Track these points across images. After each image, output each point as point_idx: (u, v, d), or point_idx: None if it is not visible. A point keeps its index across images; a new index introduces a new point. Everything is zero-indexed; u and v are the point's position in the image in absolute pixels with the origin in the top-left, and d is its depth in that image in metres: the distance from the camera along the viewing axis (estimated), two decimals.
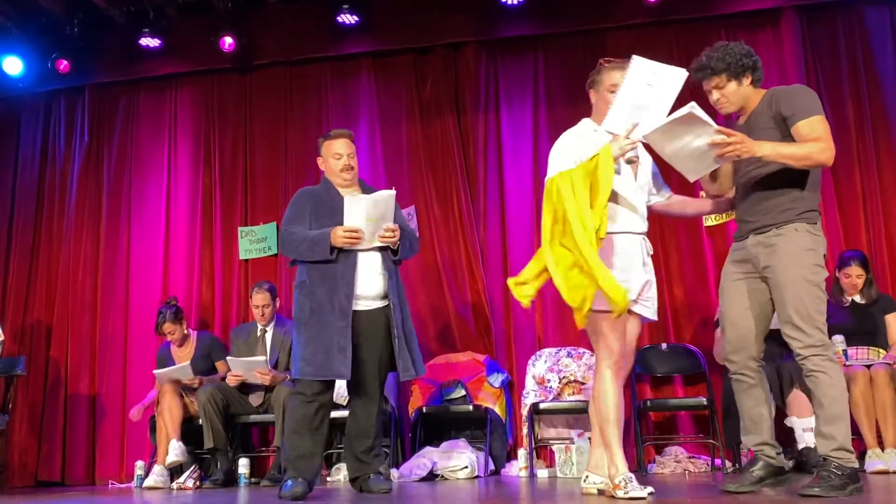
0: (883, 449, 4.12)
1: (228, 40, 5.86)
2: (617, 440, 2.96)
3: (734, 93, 3.04)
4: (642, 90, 2.91)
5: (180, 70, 6.24)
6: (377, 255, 3.65)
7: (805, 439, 4.19)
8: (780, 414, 4.37)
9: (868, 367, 4.29)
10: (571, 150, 3.04)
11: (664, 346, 5.21)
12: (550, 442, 5.07)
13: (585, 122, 3.19)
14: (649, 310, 3.09)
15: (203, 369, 5.16)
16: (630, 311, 2.98)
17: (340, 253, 3.55)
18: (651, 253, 3.10)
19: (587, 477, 3.11)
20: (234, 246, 5.98)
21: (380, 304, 3.65)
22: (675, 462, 4.83)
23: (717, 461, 4.80)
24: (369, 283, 3.61)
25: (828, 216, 5.13)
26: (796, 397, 4.24)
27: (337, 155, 3.77)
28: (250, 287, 5.41)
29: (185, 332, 5.31)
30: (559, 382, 5.17)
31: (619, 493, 2.84)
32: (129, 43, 6.04)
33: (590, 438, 3.25)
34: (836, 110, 5.26)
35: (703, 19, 5.57)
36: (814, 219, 2.95)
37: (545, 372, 5.23)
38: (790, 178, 2.95)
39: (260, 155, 6.08)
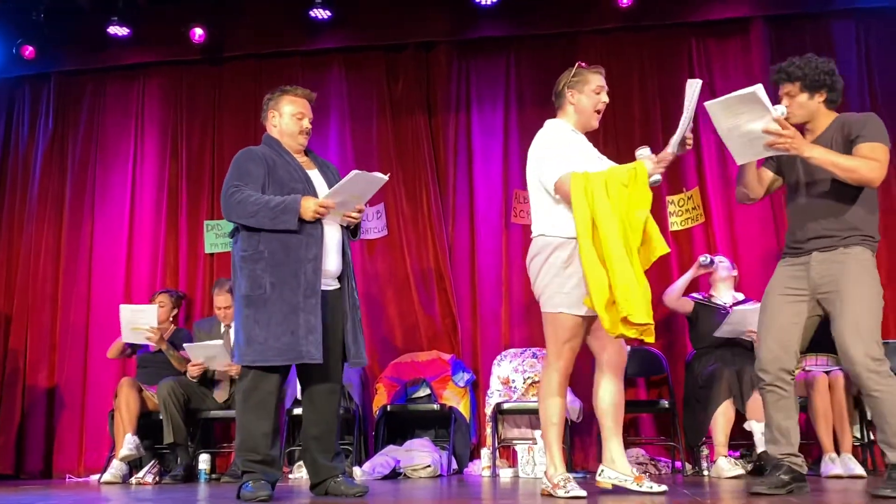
0: (839, 454, 4.20)
1: (199, 31, 5.79)
2: (557, 441, 3.06)
3: (803, 105, 3.06)
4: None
5: (149, 60, 6.14)
6: (338, 231, 3.35)
7: (763, 443, 4.23)
8: (741, 418, 4.44)
9: (827, 372, 4.36)
10: (553, 143, 3.08)
11: (628, 348, 5.23)
12: (514, 442, 5.09)
13: (559, 123, 3.20)
14: None
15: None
16: None
17: (303, 223, 3.19)
18: None
19: (602, 472, 3.15)
20: (199, 239, 5.91)
21: (338, 284, 3.35)
22: (637, 464, 4.87)
23: (678, 464, 4.84)
24: (331, 259, 3.29)
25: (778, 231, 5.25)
26: (755, 402, 4.29)
27: (299, 114, 3.40)
28: (215, 281, 5.36)
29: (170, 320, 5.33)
30: (524, 383, 5.19)
31: (560, 493, 2.94)
32: (97, 31, 5.92)
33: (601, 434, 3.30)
34: None
35: (674, 26, 5.64)
36: (875, 245, 3.03)
37: (510, 372, 5.25)
38: (851, 194, 2.99)
39: (228, 148, 6.01)
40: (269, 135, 3.44)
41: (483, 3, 5.59)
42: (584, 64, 3.25)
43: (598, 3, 5.57)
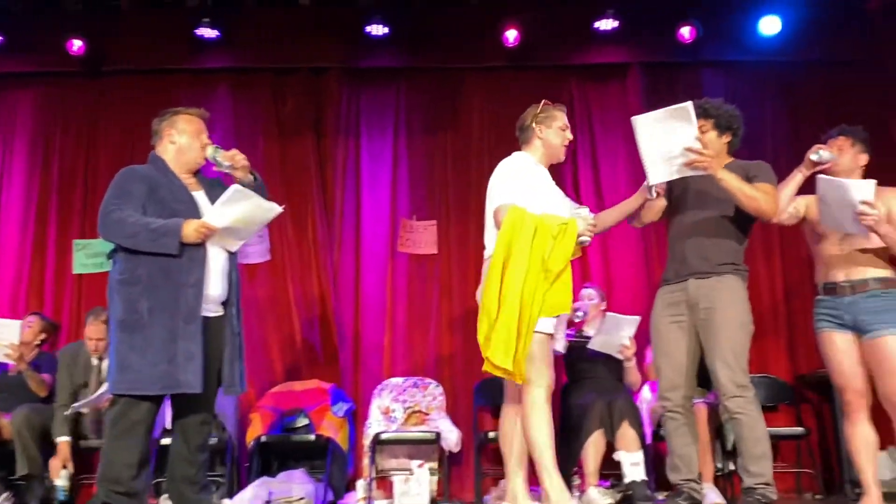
0: (700, 483, 4.37)
1: (77, 43, 5.55)
2: (553, 465, 3.06)
3: (711, 141, 3.28)
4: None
5: (23, 70, 5.83)
6: (223, 255, 3.26)
7: (631, 474, 4.37)
8: (611, 448, 4.56)
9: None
10: (520, 172, 3.19)
11: None
12: (391, 473, 5.05)
13: (524, 156, 3.33)
14: (558, 343, 3.25)
15: None
16: None
17: (186, 246, 3.10)
18: None
19: None
20: (67, 259, 5.62)
21: (221, 311, 3.28)
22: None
23: None
24: (215, 284, 3.20)
25: (649, 261, 5.51)
26: (624, 433, 4.42)
27: (197, 132, 3.31)
28: (83, 304, 5.10)
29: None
30: (404, 412, 5.18)
31: None
32: None
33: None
34: None
35: (557, 68, 5.84)
36: (746, 275, 3.27)
37: (390, 402, 5.23)
38: (731, 229, 3.25)
39: (104, 164, 5.75)
40: (157, 154, 3.33)
41: (375, 33, 5.63)
42: (548, 102, 3.42)
43: (484, 42, 5.71)
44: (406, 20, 5.73)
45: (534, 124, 3.35)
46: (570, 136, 3.40)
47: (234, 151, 3.32)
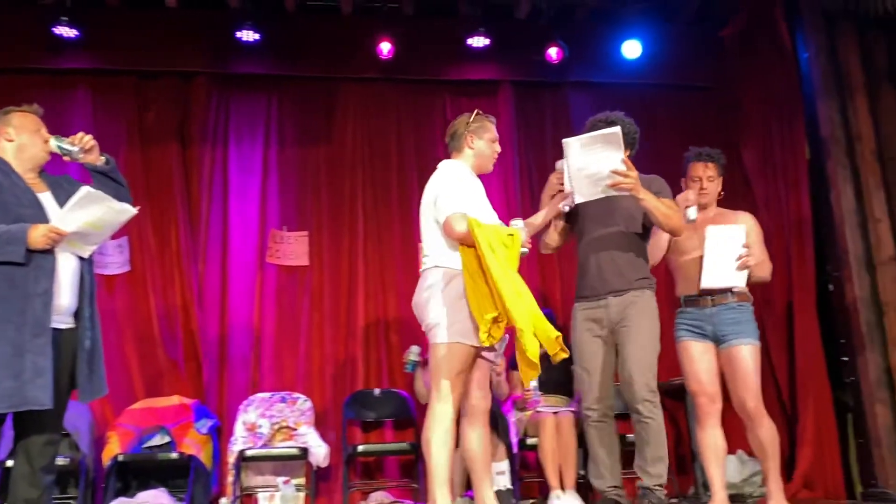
0: (564, 490, 4.50)
1: None
2: (448, 482, 3.02)
3: None
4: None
5: None
6: (74, 262, 3.06)
7: (497, 482, 4.43)
8: None
9: (555, 413, 4.68)
10: (462, 181, 3.19)
11: (377, 391, 5.31)
12: (256, 490, 4.92)
13: (457, 164, 3.30)
14: (495, 352, 3.27)
15: None
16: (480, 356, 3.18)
17: (33, 253, 2.90)
18: None
19: None
20: None
21: (73, 322, 3.06)
22: None
23: None
24: (66, 294, 3.00)
25: (531, 273, 5.62)
26: (495, 444, 4.48)
27: (34, 128, 3.14)
28: None
29: None
30: (271, 428, 5.06)
31: None
32: None
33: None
34: (541, 180, 5.74)
35: (431, 82, 5.91)
36: (655, 287, 3.44)
37: (257, 417, 5.09)
38: (639, 244, 3.42)
39: None
40: None
41: (246, 39, 5.51)
42: (481, 112, 3.39)
43: (358, 53, 5.70)
44: (279, 27, 5.64)
45: (466, 133, 3.34)
46: (499, 149, 3.43)
47: (81, 134, 3.17)
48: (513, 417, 4.91)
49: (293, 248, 5.57)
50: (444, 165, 3.32)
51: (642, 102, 6.05)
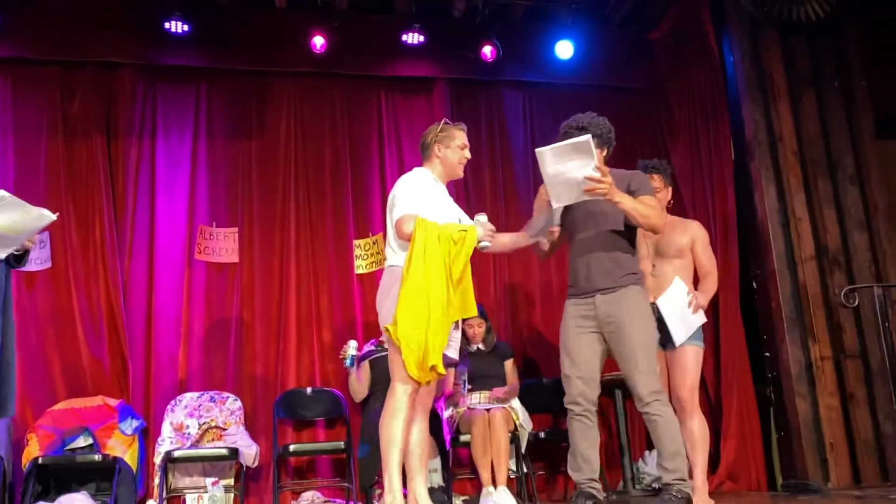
0: (496, 486, 4.52)
1: None
2: (398, 467, 3.14)
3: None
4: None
5: None
6: None
7: (431, 479, 4.44)
8: None
9: (488, 410, 4.71)
10: (419, 186, 3.34)
11: (309, 390, 5.25)
12: (184, 491, 4.81)
13: (423, 171, 3.45)
14: (451, 349, 3.34)
15: None
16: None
17: None
18: None
19: None
20: None
21: None
22: None
23: (351, 503, 4.91)
24: None
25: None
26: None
27: None
28: None
29: None
30: (199, 428, 4.95)
31: None
32: None
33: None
34: (475, 177, 5.80)
35: (366, 77, 5.86)
36: (643, 282, 3.47)
37: (185, 417, 4.98)
38: (624, 243, 3.44)
39: None
40: None
41: (174, 30, 5.37)
42: (448, 121, 3.56)
43: (292, 46, 5.62)
44: (209, 19, 5.52)
45: (434, 143, 3.49)
46: (469, 155, 3.58)
47: None
48: (445, 414, 4.92)
49: (222, 245, 5.46)
50: (408, 173, 3.50)
51: (575, 103, 6.08)
